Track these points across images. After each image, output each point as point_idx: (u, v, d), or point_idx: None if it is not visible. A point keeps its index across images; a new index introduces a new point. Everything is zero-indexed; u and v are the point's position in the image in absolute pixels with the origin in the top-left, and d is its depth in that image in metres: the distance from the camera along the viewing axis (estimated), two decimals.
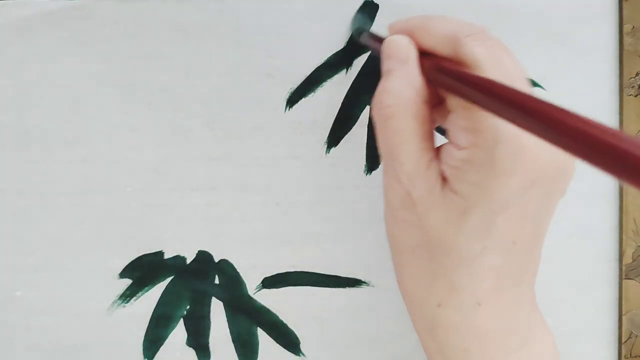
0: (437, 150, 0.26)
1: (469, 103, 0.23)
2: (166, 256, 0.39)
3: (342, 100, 0.38)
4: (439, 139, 0.27)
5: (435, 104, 0.27)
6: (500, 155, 0.23)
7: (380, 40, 0.30)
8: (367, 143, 0.38)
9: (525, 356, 0.27)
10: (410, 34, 0.27)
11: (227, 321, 0.39)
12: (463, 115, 0.24)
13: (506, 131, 0.23)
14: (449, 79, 0.24)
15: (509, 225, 0.24)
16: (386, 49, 0.27)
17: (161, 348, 0.39)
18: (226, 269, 0.39)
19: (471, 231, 0.24)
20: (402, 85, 0.26)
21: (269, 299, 0.39)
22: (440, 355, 0.27)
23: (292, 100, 0.38)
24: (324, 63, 0.38)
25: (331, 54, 0.38)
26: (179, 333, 0.39)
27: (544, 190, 0.24)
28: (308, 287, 0.39)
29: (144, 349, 0.39)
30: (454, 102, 0.25)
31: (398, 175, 0.26)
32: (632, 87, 0.38)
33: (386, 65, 0.27)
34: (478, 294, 0.25)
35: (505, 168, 0.23)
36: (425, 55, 0.27)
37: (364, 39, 0.35)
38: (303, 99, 0.38)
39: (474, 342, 0.26)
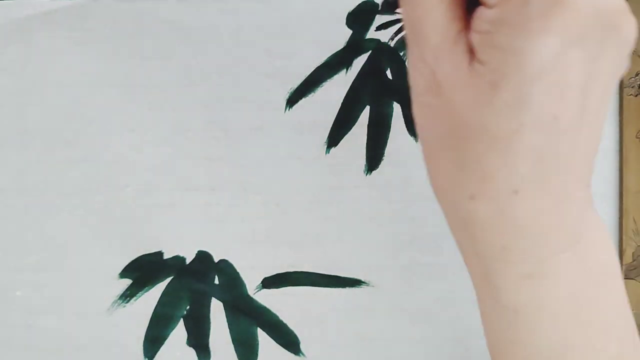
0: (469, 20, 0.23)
1: None
2: (166, 256, 0.39)
3: (342, 100, 0.38)
4: None
5: None
6: (533, 7, 0.20)
7: None
8: (367, 143, 0.38)
9: (577, 259, 0.24)
10: None
11: (227, 321, 0.39)
12: None
13: None
14: None
15: (548, 96, 0.21)
16: None
17: (161, 348, 0.39)
18: (226, 269, 0.39)
19: (503, 106, 0.21)
20: None
21: (269, 299, 0.39)
22: (476, 257, 0.25)
23: (292, 100, 0.38)
24: (324, 63, 0.38)
25: (331, 54, 0.38)
26: (179, 333, 0.39)
27: (587, 54, 0.21)
28: (308, 287, 0.39)
29: (144, 349, 0.39)
30: None
31: (423, 53, 0.23)
32: (632, 87, 0.38)
33: None
34: (514, 180, 0.22)
35: (539, 24, 0.20)
36: None
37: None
38: (303, 99, 0.38)
39: (513, 237, 0.23)
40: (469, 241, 0.24)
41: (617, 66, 0.23)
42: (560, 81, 0.21)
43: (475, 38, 0.22)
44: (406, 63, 0.25)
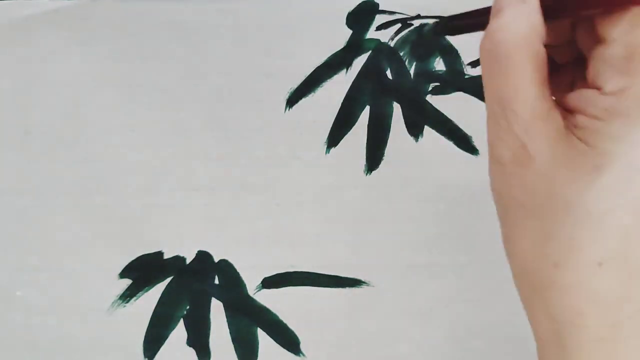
0: (561, 98, 0.24)
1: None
2: (166, 256, 0.39)
3: (342, 100, 0.38)
4: None
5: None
6: None
7: (472, 14, 0.27)
8: (367, 143, 0.38)
9: (637, 324, 0.25)
10: None
11: (227, 321, 0.39)
12: (621, 52, 0.21)
13: None
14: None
15: None
16: None
17: (161, 348, 0.39)
18: (226, 269, 0.39)
19: (604, 189, 0.22)
20: (519, 21, 0.23)
21: (269, 299, 0.39)
22: (548, 318, 0.25)
23: (292, 100, 0.38)
24: (324, 63, 0.38)
25: (331, 54, 0.38)
26: (179, 333, 0.39)
27: None
28: (308, 287, 0.39)
29: (144, 349, 0.39)
30: (615, 30, 0.22)
31: (511, 126, 0.23)
32: None
33: (498, 3, 0.24)
34: (601, 253, 0.23)
35: None
36: None
37: (446, 27, 0.32)
38: (303, 99, 0.38)
39: (591, 305, 0.24)
40: (542, 304, 0.25)
41: None
42: None
43: (581, 120, 0.23)
44: (487, 136, 0.25)
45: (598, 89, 0.22)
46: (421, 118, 0.38)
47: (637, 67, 0.21)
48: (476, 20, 0.26)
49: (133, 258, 0.39)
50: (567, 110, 0.24)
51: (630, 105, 0.21)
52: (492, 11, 0.25)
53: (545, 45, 0.25)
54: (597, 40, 0.23)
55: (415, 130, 0.38)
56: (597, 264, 0.24)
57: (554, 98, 0.25)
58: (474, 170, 0.38)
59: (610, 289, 0.24)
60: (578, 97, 0.23)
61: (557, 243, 0.24)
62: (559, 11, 0.24)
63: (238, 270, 0.39)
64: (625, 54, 0.21)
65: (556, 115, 0.23)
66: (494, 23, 0.24)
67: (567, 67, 0.26)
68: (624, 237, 0.23)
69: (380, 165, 0.39)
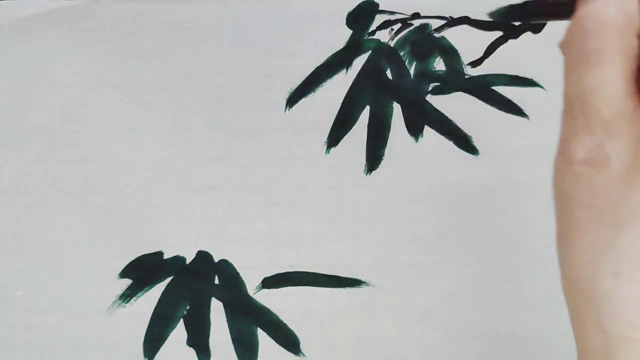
0: None
1: None
2: (166, 256, 0.39)
3: (342, 100, 0.38)
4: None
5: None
6: None
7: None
8: (367, 143, 0.38)
9: None
10: None
11: (227, 321, 0.39)
12: None
13: None
14: None
15: None
16: None
17: (161, 348, 0.39)
18: (226, 269, 0.39)
19: None
20: (612, 10, 0.21)
21: (269, 299, 0.39)
22: (599, 331, 0.24)
23: (292, 100, 0.38)
24: (324, 63, 0.38)
25: (331, 54, 0.38)
26: (179, 333, 0.39)
27: None
28: (308, 287, 0.39)
29: (144, 349, 0.39)
30: None
31: (589, 122, 0.22)
32: None
33: None
34: None
35: None
36: None
37: (516, 12, 0.30)
38: (303, 99, 0.38)
39: None
40: (594, 315, 0.24)
41: None
42: None
43: None
44: (560, 129, 0.24)
45: None
46: (421, 118, 0.38)
47: None
48: (558, 9, 0.24)
49: (133, 258, 0.39)
50: None
51: None
52: None
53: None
54: None
55: (415, 130, 0.38)
56: None
57: None
58: (474, 170, 0.38)
59: None
60: None
61: (621, 252, 0.23)
62: None
63: (238, 270, 0.39)
64: None
65: None
66: (583, 9, 0.22)
67: None
68: None
69: (380, 165, 0.39)
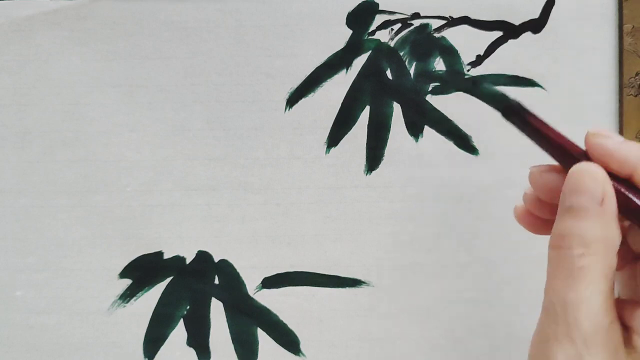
0: (622, 308, 0.24)
1: None
2: (166, 256, 0.39)
3: (342, 100, 0.38)
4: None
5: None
6: None
7: (540, 127, 0.25)
8: (367, 143, 0.38)
9: None
10: (601, 160, 0.23)
11: (227, 321, 0.39)
12: None
13: None
14: None
15: None
16: (577, 181, 0.23)
17: (161, 348, 0.39)
18: (226, 269, 0.39)
19: None
20: (598, 233, 0.22)
21: (269, 299, 0.39)
22: None
23: (292, 100, 0.38)
24: (324, 63, 0.38)
25: (331, 54, 0.38)
26: (179, 333, 0.39)
27: None
28: (308, 287, 0.39)
29: (144, 349, 0.39)
30: None
31: (570, 332, 0.22)
32: (632, 87, 0.38)
33: (575, 200, 0.23)
34: None
35: None
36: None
37: (518, 121, 0.31)
38: (303, 99, 0.38)
39: None
40: None
41: None
42: None
43: (639, 342, 0.23)
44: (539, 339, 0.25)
45: None
46: (421, 118, 0.38)
47: None
48: (552, 147, 0.24)
49: (133, 258, 0.39)
50: (626, 326, 0.23)
51: None
52: (567, 202, 0.23)
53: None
54: None
55: (415, 130, 0.38)
56: None
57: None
58: (474, 170, 0.38)
59: None
60: (638, 319, 0.23)
61: None
62: (634, 216, 0.22)
63: (238, 270, 0.39)
64: None
65: (617, 329, 0.23)
66: (569, 224, 0.23)
67: None
68: None
69: (380, 165, 0.39)
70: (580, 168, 0.23)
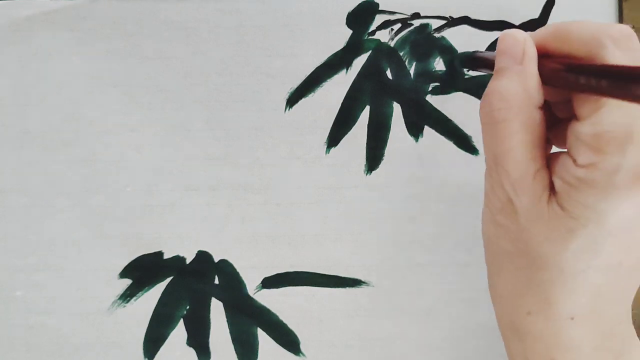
0: (550, 158, 0.25)
1: (611, 99, 0.21)
2: (166, 256, 0.39)
3: (342, 100, 0.38)
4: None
5: (549, 111, 0.25)
6: (621, 182, 0.22)
7: (488, 56, 0.28)
8: (367, 143, 0.38)
9: None
10: (541, 42, 0.25)
11: (227, 321, 0.39)
12: (591, 131, 0.22)
13: (631, 156, 0.22)
14: (587, 78, 0.21)
15: (618, 248, 0.24)
16: (500, 44, 0.25)
17: (161, 348, 0.39)
18: (226, 269, 0.39)
19: (576, 251, 0.24)
20: (515, 87, 0.24)
21: (269, 299, 0.39)
22: (523, 358, 0.27)
23: (292, 100, 0.38)
24: (323, 63, 0.38)
25: (331, 54, 0.38)
26: (179, 333, 0.39)
27: None
28: (308, 287, 0.39)
29: (144, 349, 0.39)
30: (585, 109, 0.23)
31: (501, 181, 0.25)
32: None
33: (499, 62, 0.25)
34: (573, 309, 0.25)
35: (623, 192, 0.22)
36: (547, 57, 0.24)
37: (469, 62, 0.33)
38: (303, 99, 0.38)
39: (562, 353, 0.25)
40: (520, 347, 0.27)
41: None
42: (630, 236, 0.24)
43: (558, 184, 0.24)
44: (485, 179, 0.27)
45: (573, 159, 0.24)
46: (421, 118, 0.38)
47: (603, 146, 0.22)
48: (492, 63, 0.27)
49: (133, 258, 0.39)
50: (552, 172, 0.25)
51: (598, 179, 0.23)
52: (495, 66, 0.26)
53: (547, 101, 0.25)
54: (573, 114, 0.24)
55: (415, 130, 0.38)
56: (569, 317, 0.25)
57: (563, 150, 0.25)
58: (474, 170, 0.38)
59: (585, 339, 0.25)
60: (557, 163, 0.24)
61: (533, 294, 0.25)
62: (552, 80, 0.24)
63: (238, 270, 0.39)
64: (593, 132, 0.23)
65: (544, 176, 0.25)
66: (492, 84, 0.25)
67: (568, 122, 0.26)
68: (597, 294, 0.25)
69: (380, 165, 0.39)
70: (505, 32, 0.25)
